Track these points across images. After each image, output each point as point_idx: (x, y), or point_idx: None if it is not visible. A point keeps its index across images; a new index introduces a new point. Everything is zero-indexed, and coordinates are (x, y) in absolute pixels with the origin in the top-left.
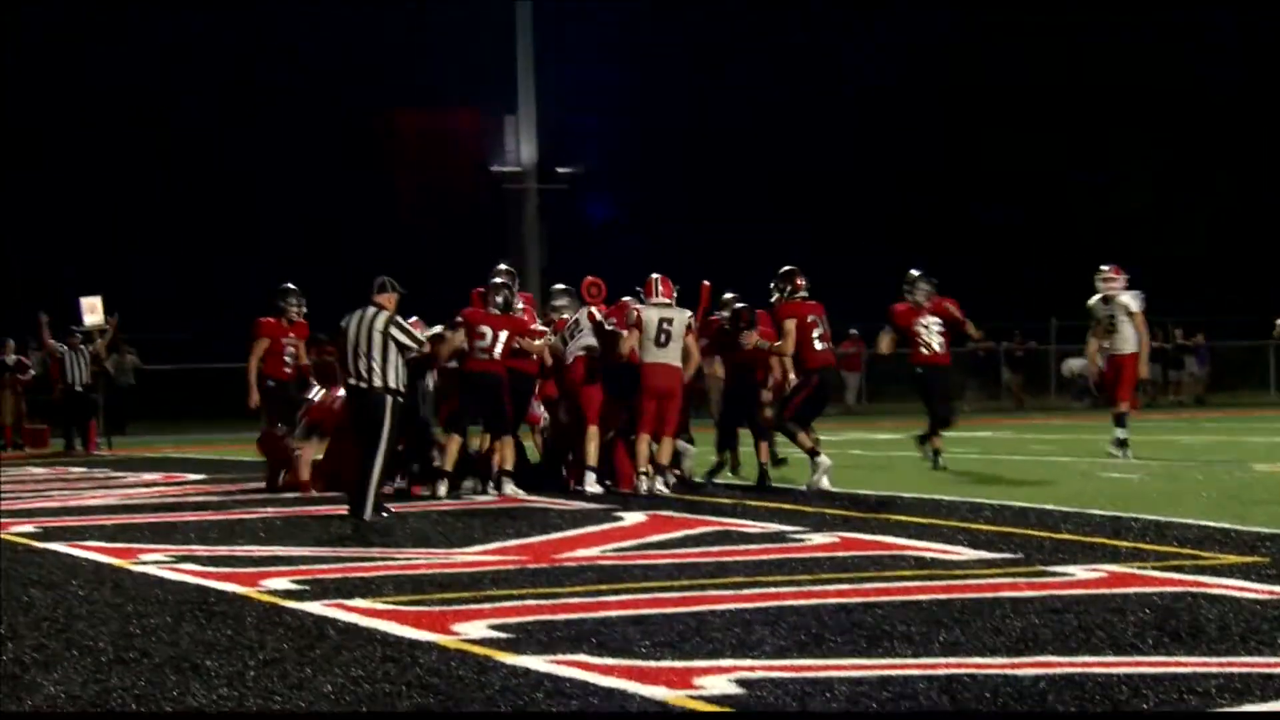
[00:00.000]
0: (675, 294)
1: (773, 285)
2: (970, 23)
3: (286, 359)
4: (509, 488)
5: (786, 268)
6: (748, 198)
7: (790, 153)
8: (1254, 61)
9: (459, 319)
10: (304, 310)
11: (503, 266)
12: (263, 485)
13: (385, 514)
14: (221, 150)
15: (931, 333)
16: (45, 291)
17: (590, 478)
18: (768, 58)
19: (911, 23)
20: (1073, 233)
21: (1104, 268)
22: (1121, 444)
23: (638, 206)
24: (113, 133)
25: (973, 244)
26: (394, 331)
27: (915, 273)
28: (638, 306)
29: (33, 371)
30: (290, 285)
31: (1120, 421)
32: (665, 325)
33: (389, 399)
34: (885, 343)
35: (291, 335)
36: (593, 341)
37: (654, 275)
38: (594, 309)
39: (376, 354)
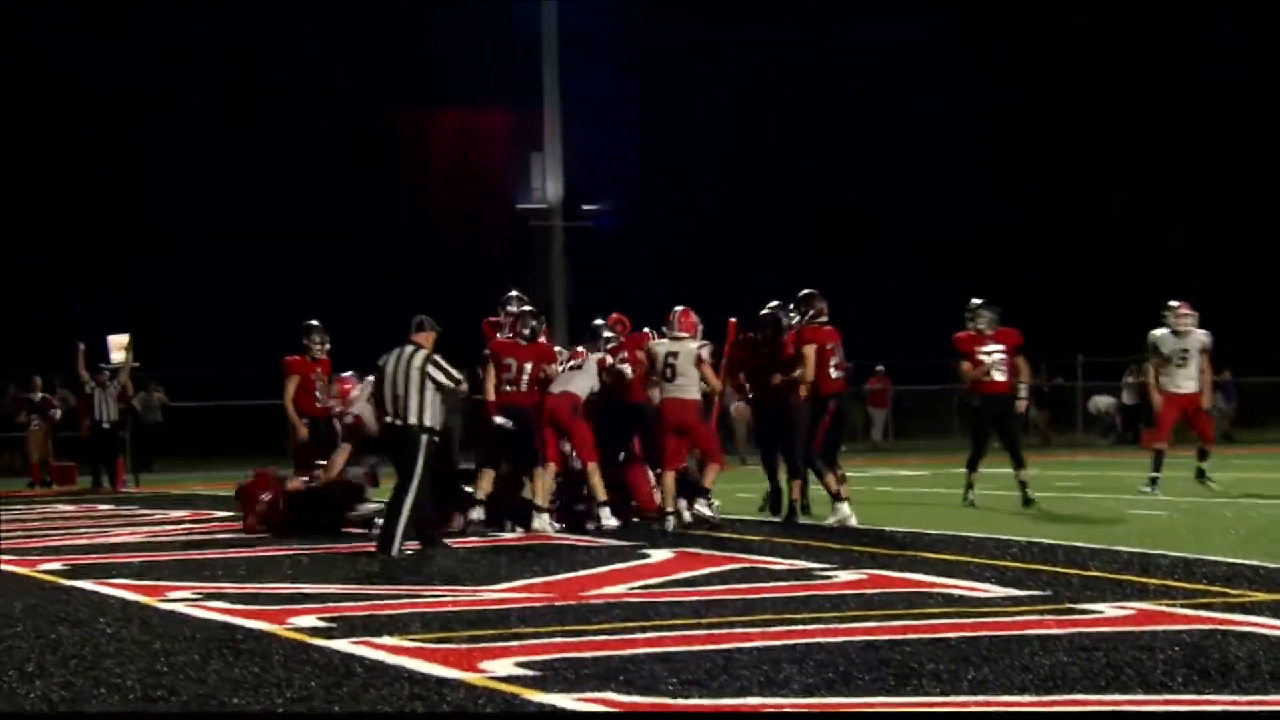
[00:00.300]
0: (699, 327)
1: (792, 308)
2: (970, 22)
3: (318, 394)
4: (538, 522)
5: (807, 291)
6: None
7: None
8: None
9: (486, 354)
10: (327, 346)
11: (515, 293)
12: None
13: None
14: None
15: (994, 362)
16: (75, 328)
17: (604, 512)
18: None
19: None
20: (1103, 272)
21: (1174, 303)
22: (1154, 482)
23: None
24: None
25: (998, 281)
26: (431, 370)
27: (977, 301)
28: (655, 341)
29: (56, 410)
30: (314, 322)
31: (1158, 463)
32: (670, 359)
33: (424, 437)
34: (965, 368)
35: (318, 370)
36: (594, 383)
37: (676, 308)
38: (606, 356)
39: (414, 392)
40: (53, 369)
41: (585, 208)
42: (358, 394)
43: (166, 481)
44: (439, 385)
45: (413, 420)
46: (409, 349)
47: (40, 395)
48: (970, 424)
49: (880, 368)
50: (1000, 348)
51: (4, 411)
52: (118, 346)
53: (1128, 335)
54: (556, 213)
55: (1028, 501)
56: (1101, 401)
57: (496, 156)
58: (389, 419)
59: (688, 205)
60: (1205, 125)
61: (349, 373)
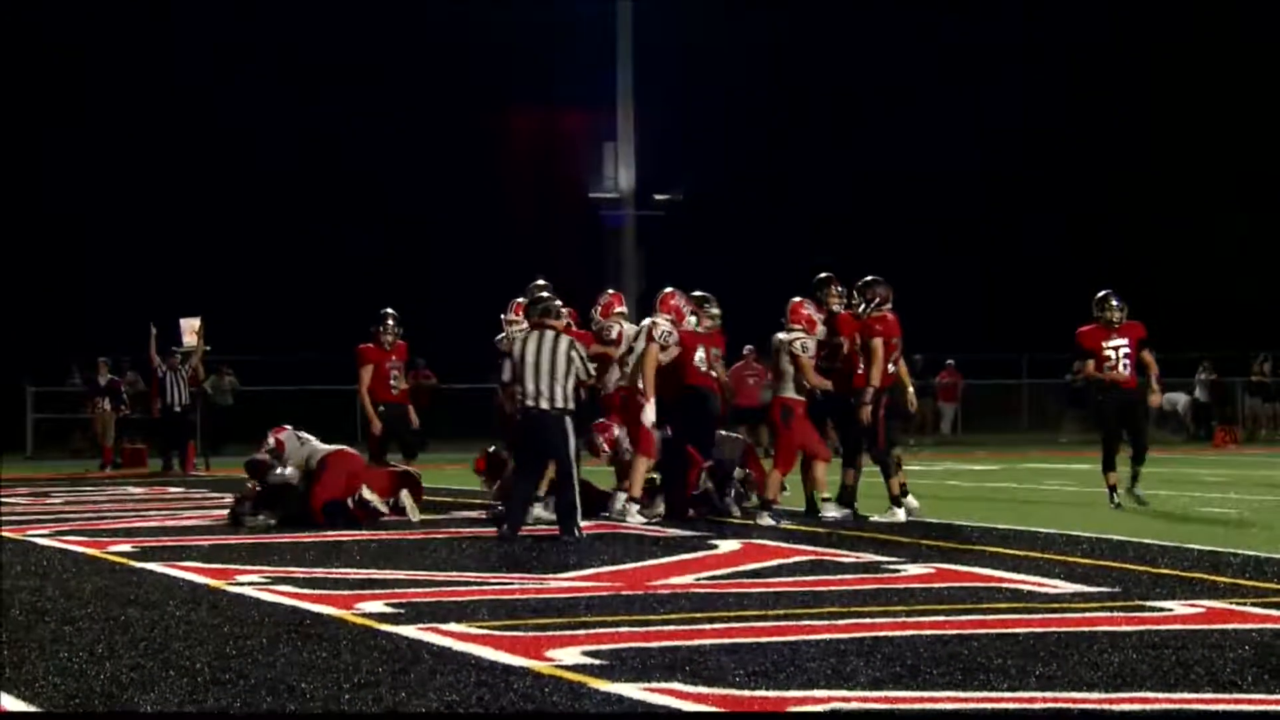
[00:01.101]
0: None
1: (855, 294)
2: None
3: (392, 382)
4: (631, 514)
5: (870, 277)
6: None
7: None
8: None
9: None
10: (400, 332)
11: (541, 281)
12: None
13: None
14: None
15: (1120, 357)
16: (148, 311)
17: (632, 509)
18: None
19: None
20: (1168, 269)
21: None
22: None
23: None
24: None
25: (1072, 280)
26: (575, 356)
27: (1105, 292)
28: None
29: (124, 393)
30: (388, 310)
31: None
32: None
33: (568, 420)
34: (1089, 367)
35: (393, 359)
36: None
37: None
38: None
39: (561, 377)
40: (124, 352)
41: (656, 196)
42: (291, 451)
43: (237, 465)
44: (577, 371)
45: (559, 404)
46: (550, 334)
47: (108, 378)
48: (1098, 423)
49: (950, 362)
50: (1125, 341)
51: (73, 395)
52: (190, 330)
53: (1200, 332)
54: (629, 201)
55: (1136, 498)
56: (1174, 399)
57: (572, 148)
58: (530, 403)
59: (758, 192)
60: None
61: (285, 429)
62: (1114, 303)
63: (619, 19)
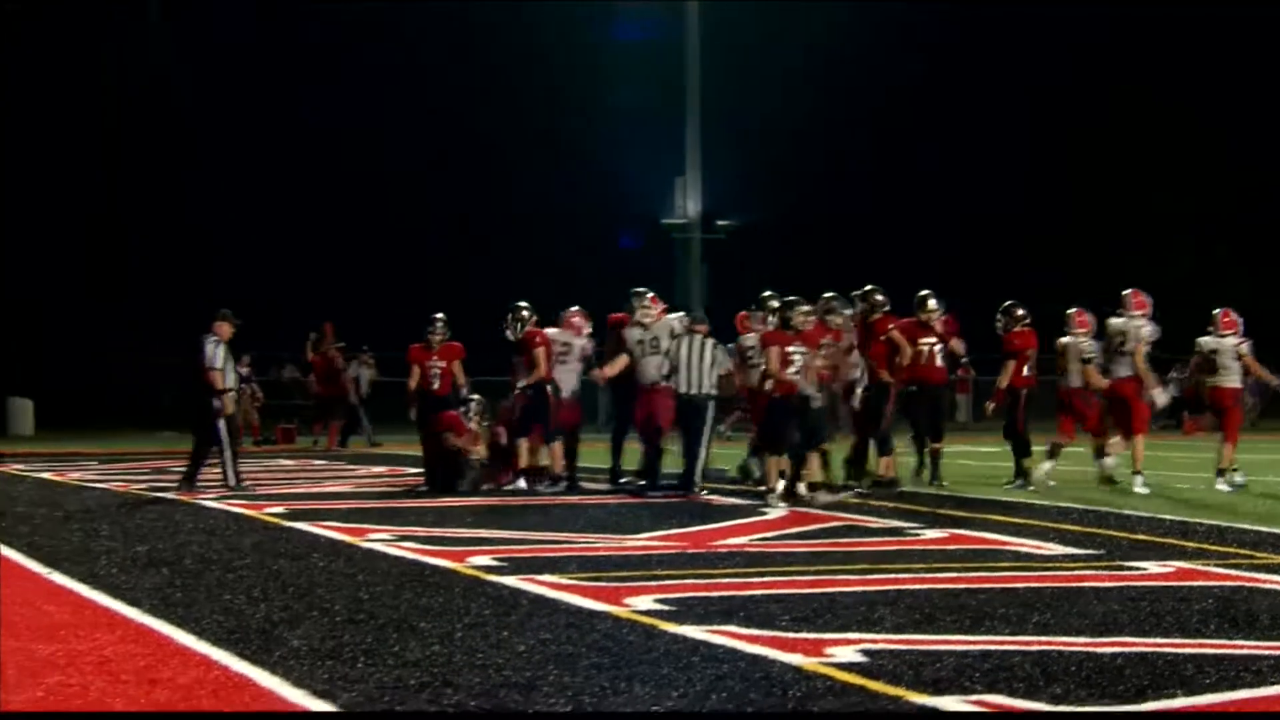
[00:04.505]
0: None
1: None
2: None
3: (432, 376)
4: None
5: (867, 287)
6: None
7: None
8: None
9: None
10: (448, 334)
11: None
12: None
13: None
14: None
15: (930, 352)
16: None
17: (821, 494)
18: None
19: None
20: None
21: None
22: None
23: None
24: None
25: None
26: (719, 355)
27: (924, 292)
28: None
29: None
30: (437, 315)
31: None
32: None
33: (711, 401)
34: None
35: (435, 358)
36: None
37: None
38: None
39: (706, 370)
40: (279, 349)
41: (719, 222)
42: None
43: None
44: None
45: (706, 390)
46: (698, 338)
47: (246, 369)
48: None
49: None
50: (936, 339)
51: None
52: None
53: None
54: (696, 226)
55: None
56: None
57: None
58: (684, 390)
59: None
60: None
61: None
62: (930, 303)
63: (687, 60)
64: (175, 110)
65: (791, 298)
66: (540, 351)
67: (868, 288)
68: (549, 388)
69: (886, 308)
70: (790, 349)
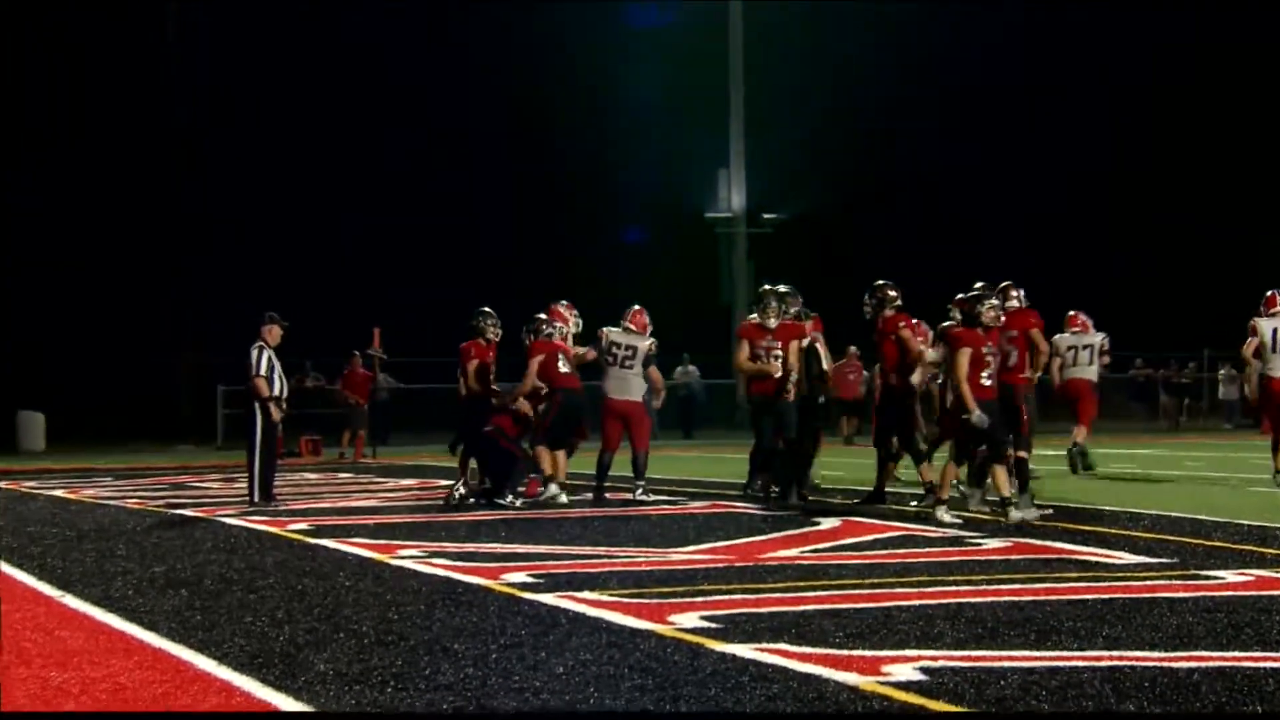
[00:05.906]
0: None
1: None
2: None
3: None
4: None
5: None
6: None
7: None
8: None
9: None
10: (500, 331)
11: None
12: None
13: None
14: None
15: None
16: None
17: (941, 509)
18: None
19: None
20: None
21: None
22: None
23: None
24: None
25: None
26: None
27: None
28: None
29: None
30: (486, 309)
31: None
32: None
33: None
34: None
35: (491, 355)
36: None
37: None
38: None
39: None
40: (304, 354)
41: (765, 216)
42: None
43: (398, 454)
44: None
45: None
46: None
47: None
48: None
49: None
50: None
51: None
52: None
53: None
54: (740, 220)
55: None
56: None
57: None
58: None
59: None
60: None
61: None
62: (773, 303)
63: (730, 54)
64: (180, 115)
65: (977, 288)
66: (533, 363)
67: (879, 282)
68: (560, 395)
69: (898, 304)
70: (984, 350)
